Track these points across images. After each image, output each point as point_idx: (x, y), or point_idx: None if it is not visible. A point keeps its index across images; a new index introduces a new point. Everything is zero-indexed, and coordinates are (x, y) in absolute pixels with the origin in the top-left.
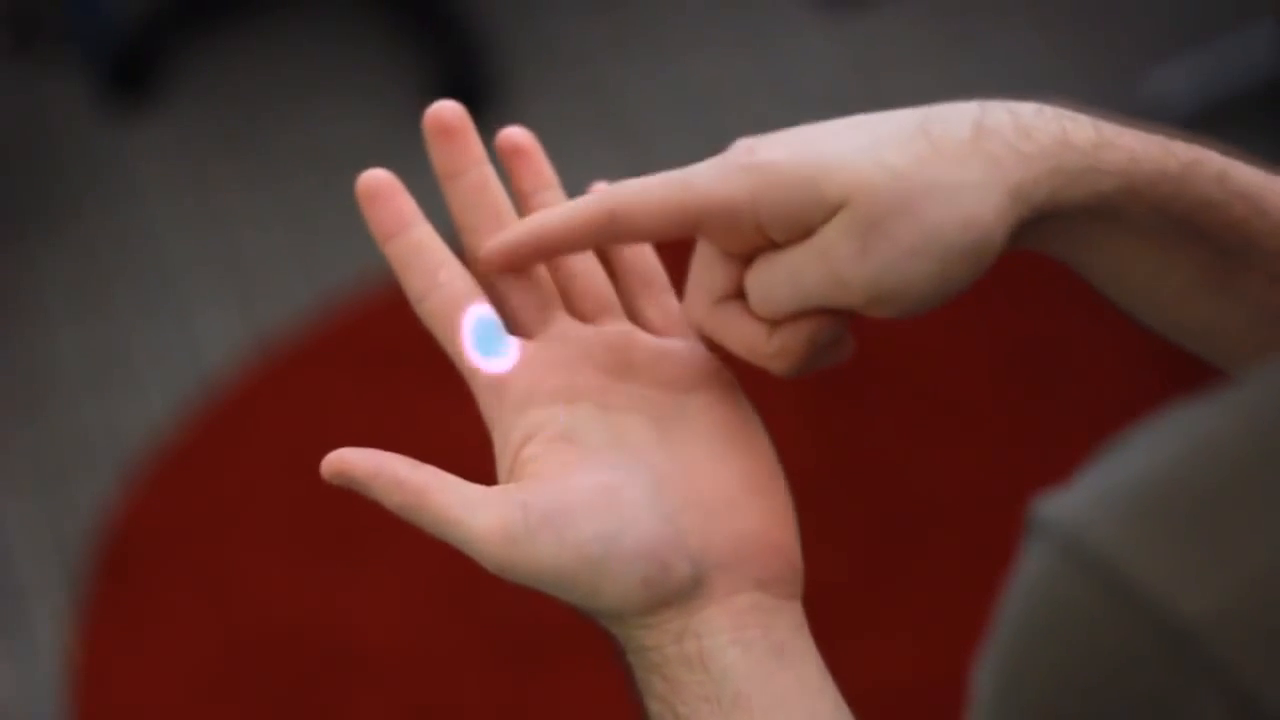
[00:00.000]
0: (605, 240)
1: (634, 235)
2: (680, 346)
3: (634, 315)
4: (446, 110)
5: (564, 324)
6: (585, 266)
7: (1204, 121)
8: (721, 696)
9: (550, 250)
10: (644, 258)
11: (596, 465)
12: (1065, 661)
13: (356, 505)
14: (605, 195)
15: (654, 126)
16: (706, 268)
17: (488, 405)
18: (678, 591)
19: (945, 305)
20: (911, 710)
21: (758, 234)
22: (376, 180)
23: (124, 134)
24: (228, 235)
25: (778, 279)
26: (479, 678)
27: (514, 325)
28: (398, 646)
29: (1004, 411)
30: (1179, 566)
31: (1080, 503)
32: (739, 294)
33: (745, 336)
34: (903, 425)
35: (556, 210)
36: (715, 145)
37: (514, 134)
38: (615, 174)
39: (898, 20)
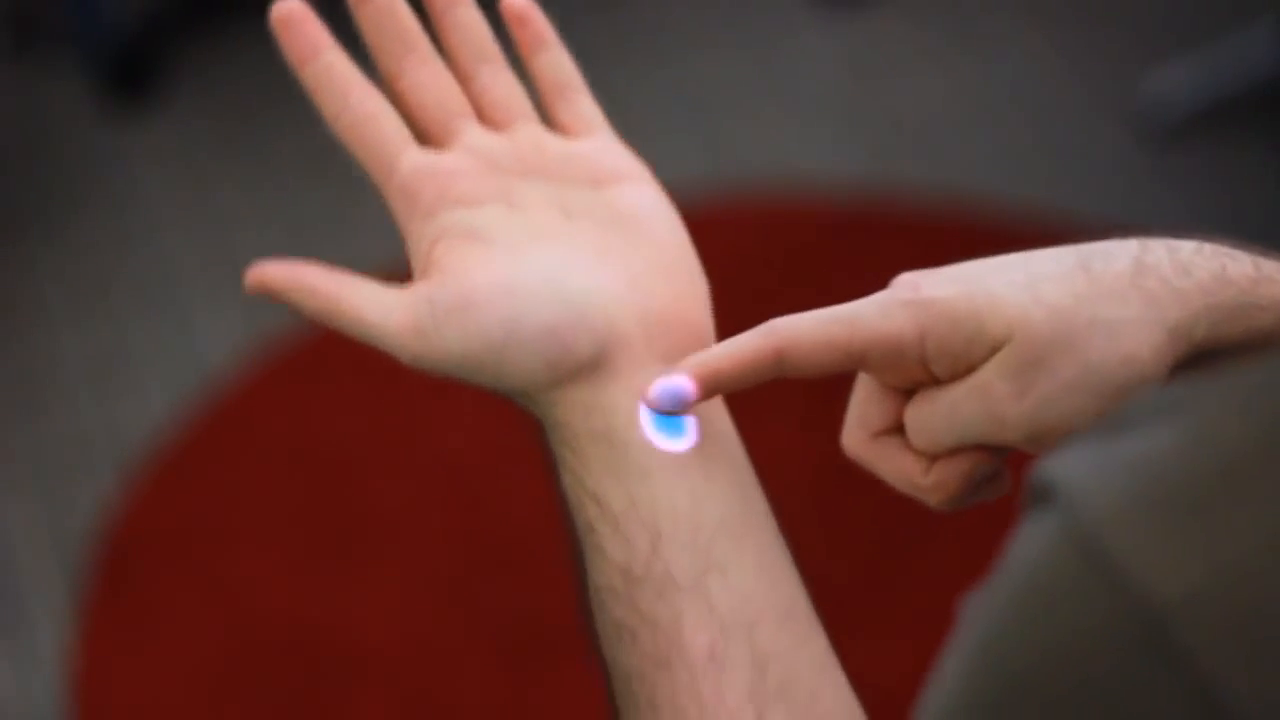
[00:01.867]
0: (773, 376)
1: (801, 371)
2: (590, 147)
3: (549, 119)
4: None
5: (474, 134)
6: (498, 79)
7: (1204, 121)
8: (625, 468)
9: (718, 390)
10: (558, 63)
11: (499, 256)
12: (1044, 631)
13: (356, 505)
14: (772, 334)
15: (654, 127)
16: (866, 401)
17: (400, 214)
18: (580, 368)
19: None
20: (909, 709)
21: (920, 369)
22: (289, 9)
23: (124, 134)
24: (228, 236)
25: (937, 415)
26: (479, 677)
27: (427, 139)
28: (398, 646)
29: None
30: (1161, 549)
31: (1080, 474)
32: (897, 427)
33: (902, 469)
34: None
35: (723, 351)
36: (715, 145)
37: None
38: None
39: (898, 20)
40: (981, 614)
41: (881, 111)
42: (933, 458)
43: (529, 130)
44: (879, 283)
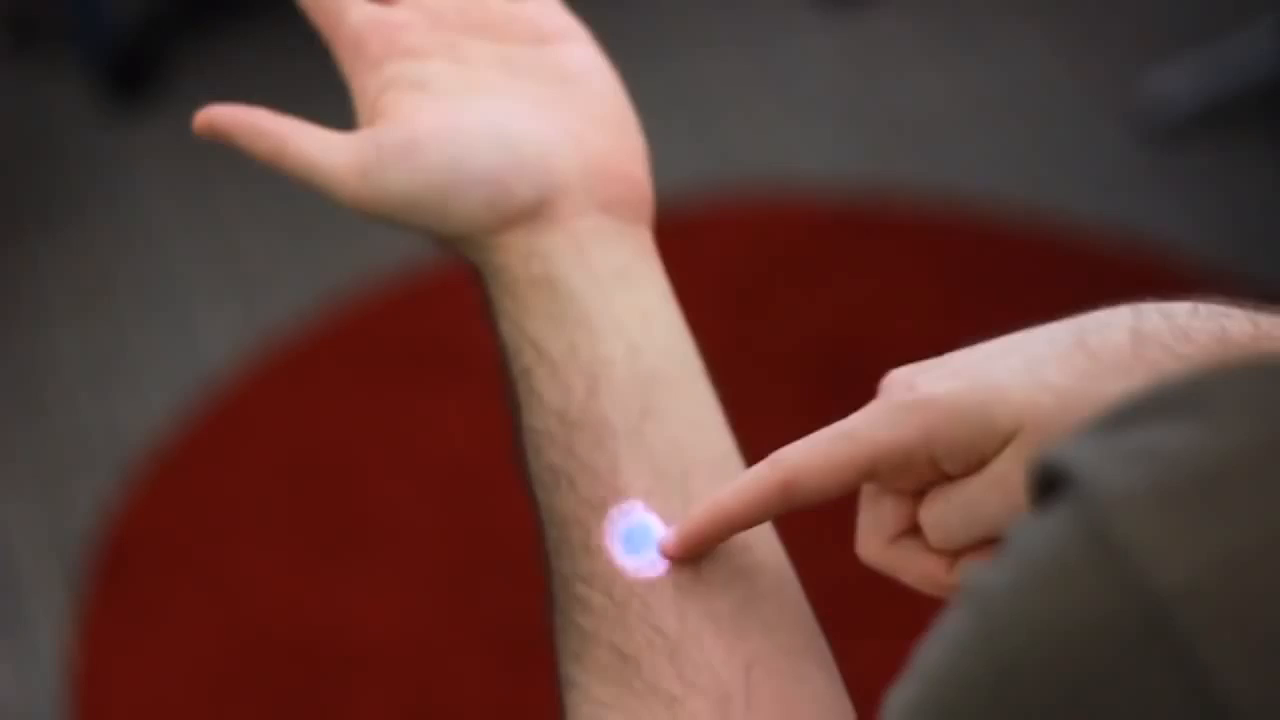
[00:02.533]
0: (783, 510)
1: (810, 500)
2: (533, 8)
3: None
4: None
5: None
6: None
7: (1204, 121)
8: (565, 315)
9: (730, 531)
10: None
11: (443, 104)
12: (1047, 615)
13: (356, 505)
14: (776, 467)
15: (654, 126)
16: (876, 509)
17: (347, 65)
18: (521, 212)
19: (945, 304)
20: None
21: (929, 469)
22: None
23: (124, 134)
24: (228, 235)
25: (954, 513)
26: (479, 677)
27: None
28: (398, 646)
29: None
30: (1168, 538)
31: (1094, 462)
32: (912, 528)
33: (925, 571)
34: None
35: (730, 491)
36: (715, 145)
37: None
38: None
39: (898, 20)
40: (980, 594)
41: (881, 111)
42: (954, 554)
43: None
44: (878, 283)
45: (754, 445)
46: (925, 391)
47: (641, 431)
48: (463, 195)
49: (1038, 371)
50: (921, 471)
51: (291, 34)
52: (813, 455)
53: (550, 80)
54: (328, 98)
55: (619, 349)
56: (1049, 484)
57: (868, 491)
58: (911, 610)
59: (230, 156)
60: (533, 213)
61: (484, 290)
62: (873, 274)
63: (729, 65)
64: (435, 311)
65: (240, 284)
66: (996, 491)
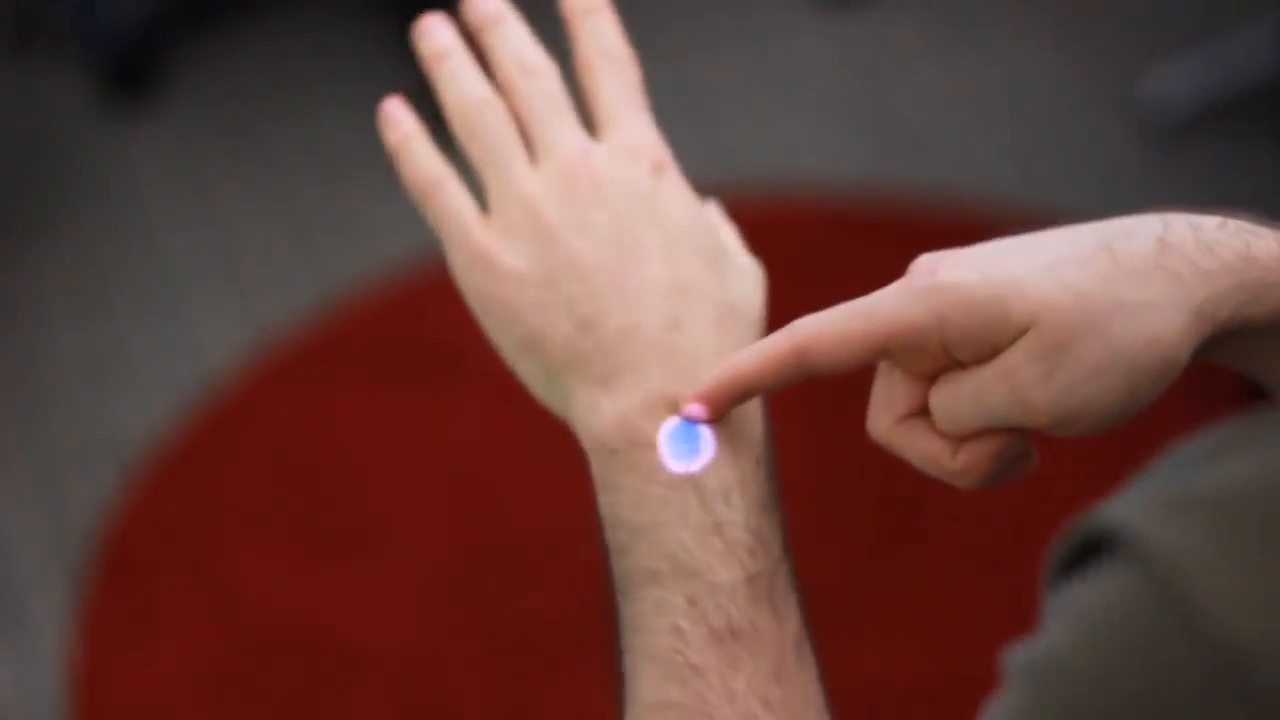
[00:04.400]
0: (797, 377)
1: (825, 368)
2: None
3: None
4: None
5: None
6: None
7: (1204, 121)
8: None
9: (747, 395)
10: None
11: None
12: (1121, 674)
13: (356, 505)
14: (793, 334)
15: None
16: (889, 387)
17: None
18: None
19: None
20: (912, 710)
21: (943, 355)
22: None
23: (124, 134)
24: (228, 235)
25: (962, 400)
26: (479, 678)
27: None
28: (398, 646)
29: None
30: (1237, 589)
31: (1151, 520)
32: (922, 410)
33: (930, 453)
34: None
35: (747, 354)
36: (715, 145)
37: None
38: None
39: (898, 20)
40: (1034, 667)
41: (882, 111)
42: (959, 440)
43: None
44: (879, 282)
45: None
46: (944, 278)
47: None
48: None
49: (1058, 270)
50: (934, 355)
51: (291, 34)
52: (828, 327)
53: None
54: (327, 98)
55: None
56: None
57: (883, 370)
58: (912, 611)
59: (230, 156)
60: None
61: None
62: (873, 273)
63: (729, 65)
64: (435, 312)
65: (240, 284)
66: (1004, 382)
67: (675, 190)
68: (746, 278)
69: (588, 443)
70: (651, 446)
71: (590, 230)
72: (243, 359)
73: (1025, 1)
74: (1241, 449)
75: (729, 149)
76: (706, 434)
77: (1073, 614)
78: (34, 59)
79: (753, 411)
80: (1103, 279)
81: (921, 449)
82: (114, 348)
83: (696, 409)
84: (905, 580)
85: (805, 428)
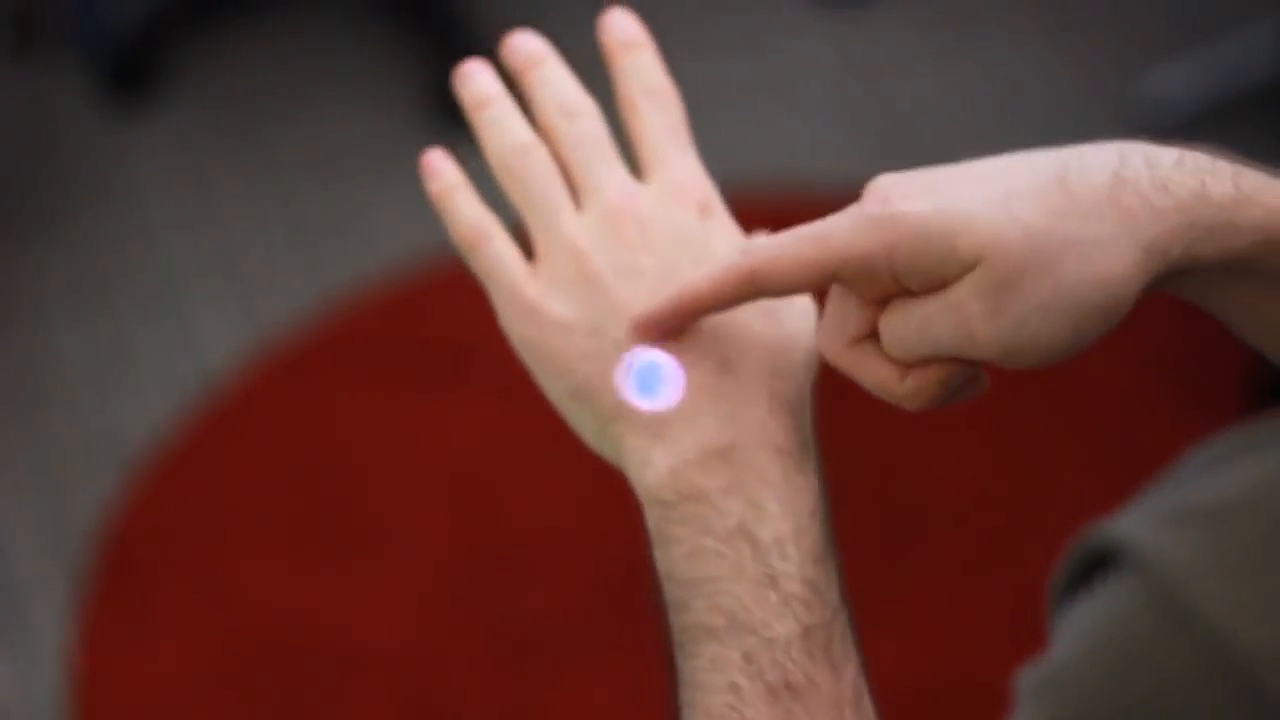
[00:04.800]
0: (750, 298)
1: (776, 290)
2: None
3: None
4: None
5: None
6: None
7: (1204, 121)
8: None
9: (699, 313)
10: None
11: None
12: (1136, 693)
13: (356, 505)
14: (747, 256)
15: None
16: (842, 310)
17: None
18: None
19: None
20: (912, 710)
21: (893, 283)
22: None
23: (124, 134)
24: (227, 235)
25: (910, 328)
26: (479, 677)
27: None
28: (398, 646)
29: (1004, 411)
30: (1246, 601)
31: (1155, 533)
32: (873, 334)
33: (879, 377)
34: (903, 426)
35: (700, 276)
36: (715, 145)
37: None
38: None
39: (898, 20)
40: (1041, 685)
41: (881, 111)
42: (908, 365)
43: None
44: None
45: None
46: (896, 208)
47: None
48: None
49: (1012, 205)
50: (884, 283)
51: (291, 34)
52: (781, 251)
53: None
54: (327, 98)
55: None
56: (1097, 564)
57: (835, 293)
58: (911, 611)
59: (230, 156)
60: None
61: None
62: None
63: (729, 66)
64: (435, 312)
65: (240, 284)
66: (951, 315)
67: (723, 230)
68: (797, 312)
69: (641, 494)
70: (708, 502)
71: (637, 275)
72: (243, 359)
73: (1025, 1)
74: (1241, 459)
75: (729, 149)
76: (672, 370)
77: (1077, 628)
78: (34, 59)
79: (812, 468)
80: (1054, 214)
81: (871, 373)
82: (114, 348)
83: (645, 328)
84: (906, 581)
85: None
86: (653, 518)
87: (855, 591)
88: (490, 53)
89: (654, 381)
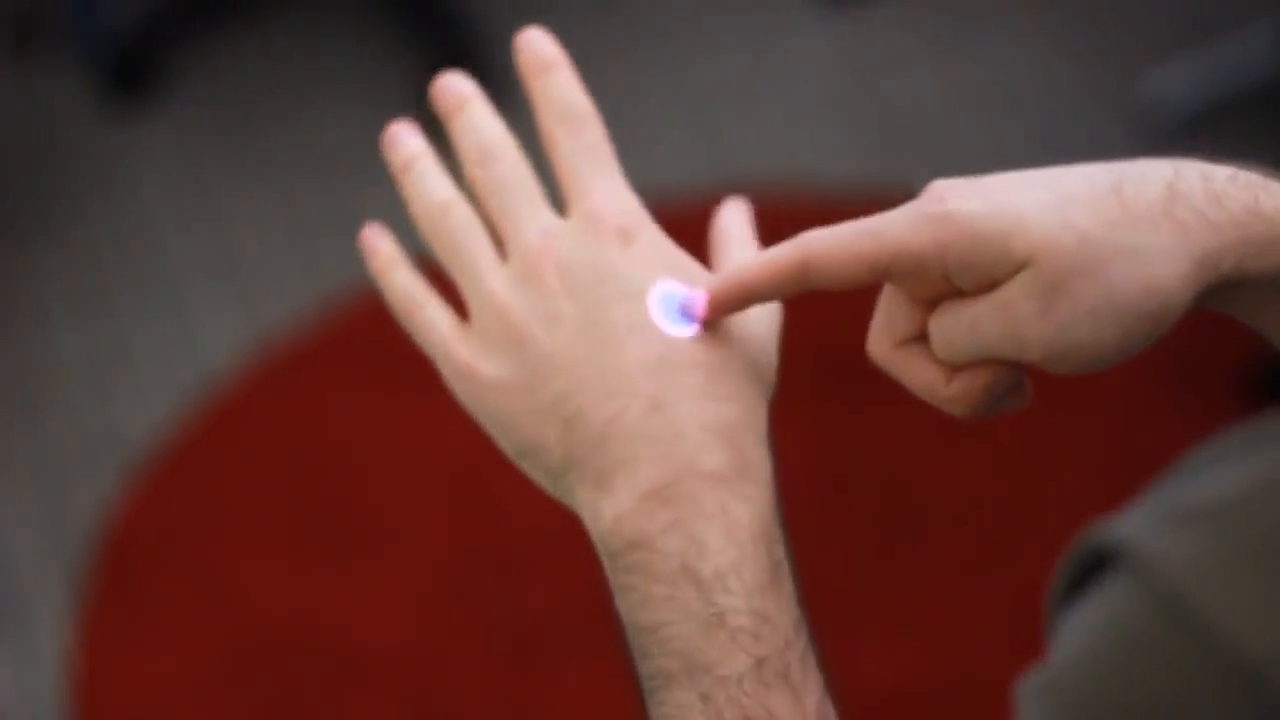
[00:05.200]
0: (799, 289)
1: (826, 283)
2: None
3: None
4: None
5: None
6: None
7: (1204, 121)
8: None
9: (749, 300)
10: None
11: None
12: (1135, 694)
13: (356, 505)
14: (799, 246)
15: (654, 127)
16: (891, 310)
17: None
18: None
19: None
20: (912, 710)
21: (944, 282)
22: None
23: (124, 134)
24: (227, 235)
25: (960, 329)
26: (479, 678)
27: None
28: (397, 646)
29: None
30: (1248, 603)
31: (1152, 534)
32: (921, 336)
33: (925, 379)
34: (903, 426)
35: (752, 261)
36: (715, 145)
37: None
38: None
39: (897, 19)
40: (1052, 686)
41: (881, 110)
42: (955, 368)
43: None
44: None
45: None
46: (951, 207)
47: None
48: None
49: (1066, 210)
50: (934, 282)
51: (291, 34)
52: (834, 243)
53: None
54: (327, 98)
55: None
56: (1095, 565)
57: (886, 292)
58: (911, 611)
59: (230, 156)
60: None
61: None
62: None
63: (729, 65)
64: None
65: (240, 284)
66: (1000, 315)
67: (648, 255)
68: (752, 322)
69: (597, 546)
70: (652, 547)
71: (559, 322)
72: (243, 359)
73: (1025, 1)
74: (1241, 458)
75: (729, 149)
76: (697, 303)
77: (1078, 630)
78: (34, 59)
79: (755, 491)
80: (1108, 222)
81: (918, 374)
82: (114, 348)
83: (697, 305)
84: (906, 580)
85: (807, 428)
86: (608, 568)
87: (855, 591)
88: (490, 53)
89: (677, 313)
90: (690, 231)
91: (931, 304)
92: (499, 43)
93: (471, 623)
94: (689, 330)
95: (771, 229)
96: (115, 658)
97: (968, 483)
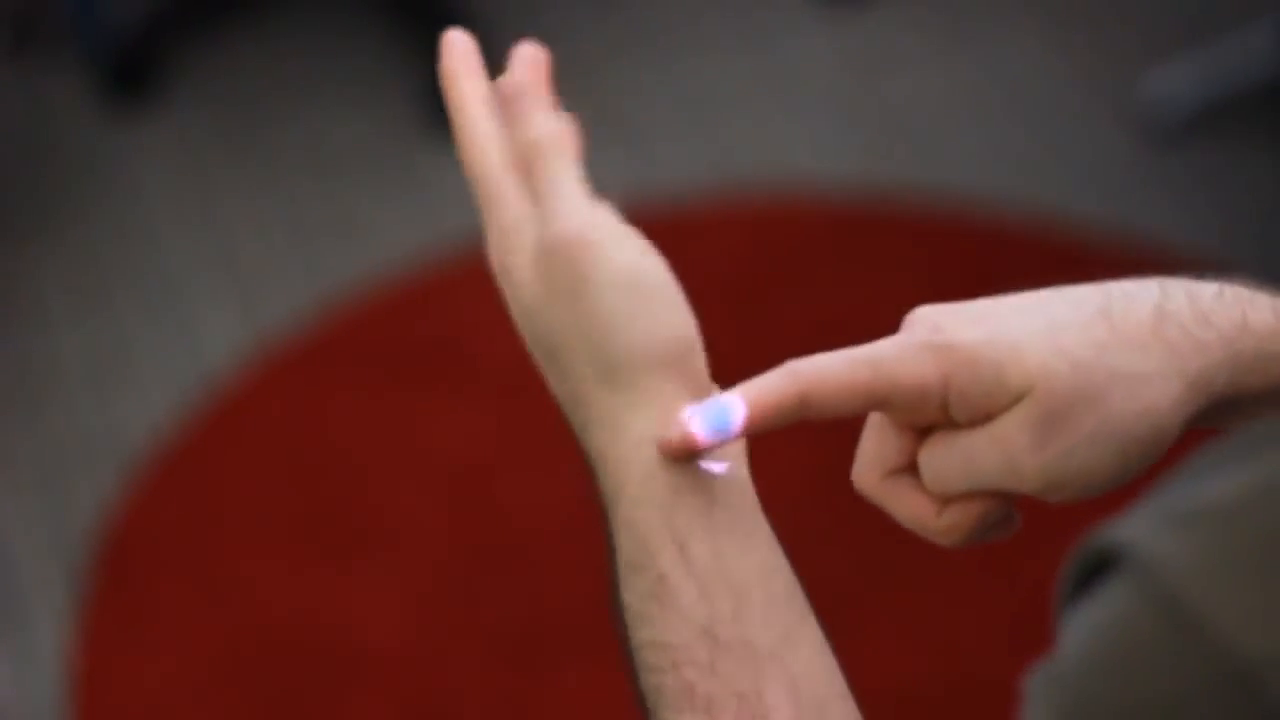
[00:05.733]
0: (796, 419)
1: (824, 414)
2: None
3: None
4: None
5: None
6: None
7: (1204, 121)
8: (714, 524)
9: (749, 434)
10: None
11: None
12: (1136, 694)
13: (356, 505)
14: (795, 378)
15: (654, 127)
16: (880, 440)
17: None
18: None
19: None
20: (912, 710)
21: (939, 413)
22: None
23: (124, 134)
24: (227, 235)
25: (953, 461)
26: (479, 678)
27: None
28: (397, 646)
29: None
30: (1247, 605)
31: (1154, 535)
32: (910, 466)
33: (915, 511)
34: None
35: (750, 399)
36: (715, 145)
37: (525, 53)
38: (616, 175)
39: (898, 20)
40: (1058, 689)
41: (881, 111)
42: (945, 500)
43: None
44: (878, 282)
45: (754, 445)
46: (950, 337)
47: (783, 657)
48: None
49: (1057, 336)
50: (931, 413)
51: (291, 34)
52: (833, 375)
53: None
54: (327, 98)
55: (754, 569)
56: (1099, 566)
57: (873, 422)
58: (912, 611)
59: (231, 156)
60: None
61: (598, 477)
62: (872, 273)
63: (729, 65)
64: (436, 312)
65: (240, 284)
66: (996, 448)
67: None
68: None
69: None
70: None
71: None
72: (243, 359)
73: (1025, 1)
74: (1241, 461)
75: (729, 149)
76: (737, 412)
77: (1080, 631)
78: (34, 59)
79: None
80: (1100, 347)
81: (907, 507)
82: (114, 348)
83: (698, 448)
84: (906, 580)
85: (805, 429)
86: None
87: (855, 591)
88: (489, 53)
89: (722, 423)
90: (690, 232)
91: (919, 432)
92: (499, 45)
93: (471, 623)
94: (719, 466)
95: (771, 229)
96: (115, 658)
97: None
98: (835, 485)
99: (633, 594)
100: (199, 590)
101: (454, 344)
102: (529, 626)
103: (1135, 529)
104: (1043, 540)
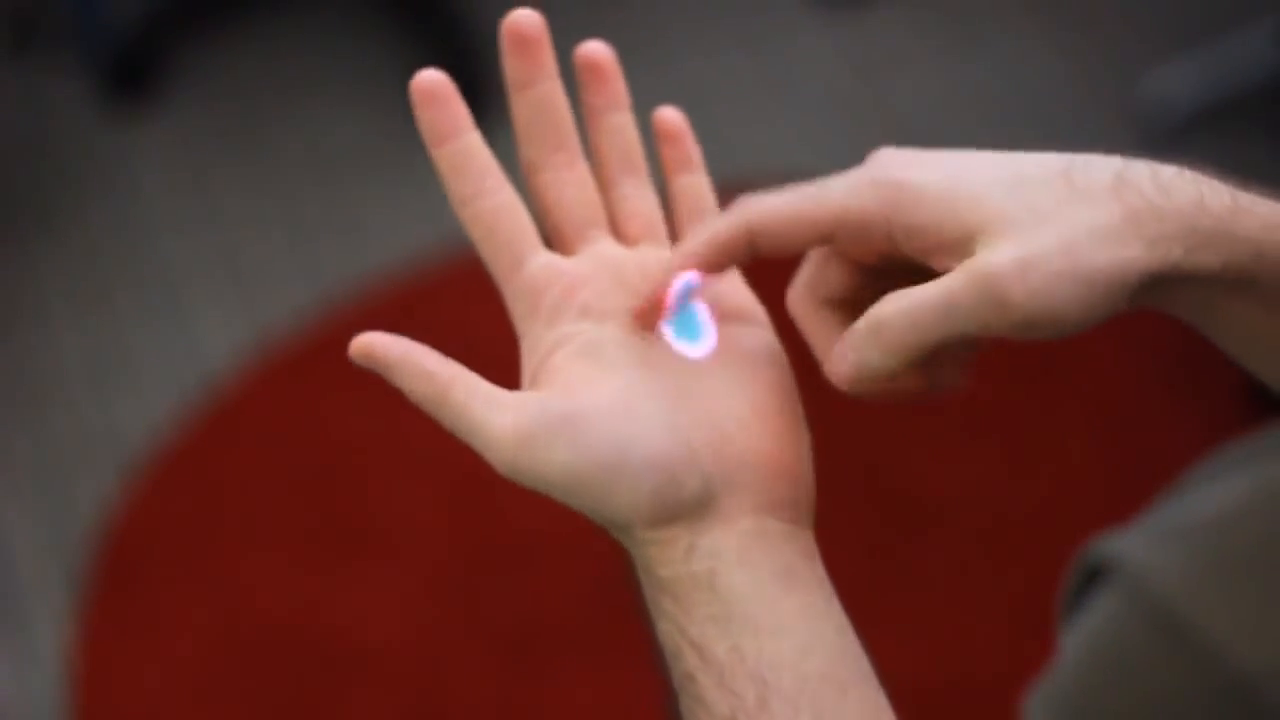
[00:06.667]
0: (748, 256)
1: (773, 249)
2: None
3: (677, 240)
4: (525, 19)
5: (605, 244)
6: (640, 192)
7: (1204, 121)
8: (729, 617)
9: (705, 279)
10: (699, 187)
11: (616, 379)
12: (1127, 705)
13: (356, 505)
14: (743, 213)
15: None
16: (822, 266)
17: (519, 315)
18: (686, 506)
19: None
20: (912, 710)
21: (886, 243)
22: (432, 82)
23: (124, 134)
24: (228, 236)
25: (927, 303)
26: (479, 678)
27: (556, 239)
28: (397, 646)
29: (1005, 411)
30: (1241, 616)
31: (1145, 547)
32: (844, 299)
33: (829, 346)
34: (904, 425)
35: (700, 239)
36: (715, 145)
37: (592, 50)
38: None
39: (898, 20)
40: (1055, 703)
41: (881, 111)
42: (902, 359)
43: (658, 252)
44: None
45: None
46: (899, 174)
47: None
48: (629, 480)
49: (1017, 186)
50: (878, 245)
51: (291, 34)
52: (779, 209)
53: (721, 365)
54: (327, 98)
55: (787, 652)
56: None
57: (820, 249)
58: (912, 610)
59: (231, 156)
60: (696, 508)
61: (637, 581)
62: None
63: (729, 65)
64: (436, 312)
65: (240, 284)
66: (979, 283)
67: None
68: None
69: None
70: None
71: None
72: (243, 359)
73: (1026, 2)
74: (1234, 473)
75: (729, 149)
76: (704, 313)
77: (1075, 643)
78: (34, 59)
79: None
80: (1059, 199)
81: (827, 340)
82: (114, 348)
83: (641, 307)
84: (906, 580)
85: (809, 425)
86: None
87: (856, 590)
88: (489, 54)
89: (693, 327)
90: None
91: (863, 269)
92: (499, 44)
93: (471, 623)
94: (702, 347)
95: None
96: (115, 657)
97: (969, 483)
98: (836, 486)
99: (673, 675)
100: (199, 590)
101: (454, 343)
102: (529, 627)
103: (1126, 543)
104: (1043, 540)
